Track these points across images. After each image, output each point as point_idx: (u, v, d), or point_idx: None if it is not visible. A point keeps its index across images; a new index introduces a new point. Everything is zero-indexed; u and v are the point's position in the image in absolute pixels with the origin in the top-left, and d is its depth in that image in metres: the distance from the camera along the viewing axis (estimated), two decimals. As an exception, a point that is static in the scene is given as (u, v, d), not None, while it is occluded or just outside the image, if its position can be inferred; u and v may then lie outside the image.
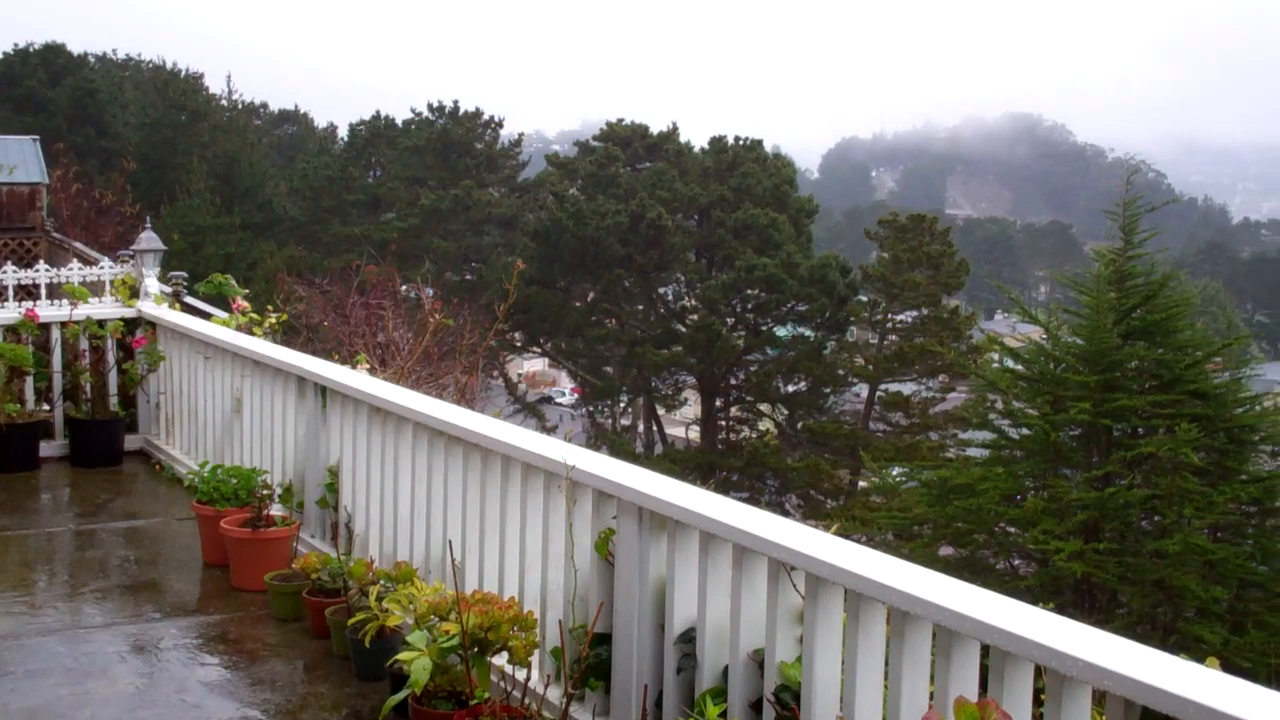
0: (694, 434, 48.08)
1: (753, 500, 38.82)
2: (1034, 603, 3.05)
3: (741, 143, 46.71)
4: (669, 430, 49.66)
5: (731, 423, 45.02)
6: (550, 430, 42.00)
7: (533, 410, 45.95)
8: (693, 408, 48.28)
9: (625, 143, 46.96)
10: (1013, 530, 15.29)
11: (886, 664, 3.28)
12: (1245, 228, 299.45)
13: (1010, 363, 17.43)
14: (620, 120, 48.33)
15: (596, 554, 4.38)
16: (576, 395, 52.98)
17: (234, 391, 7.88)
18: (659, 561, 4.09)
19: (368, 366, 7.99)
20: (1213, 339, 16.89)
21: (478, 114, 53.47)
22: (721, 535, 3.76)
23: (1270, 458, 16.29)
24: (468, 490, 5.19)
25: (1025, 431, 15.95)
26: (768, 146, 48.37)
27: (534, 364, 70.28)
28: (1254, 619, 14.12)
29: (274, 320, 8.99)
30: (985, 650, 3.04)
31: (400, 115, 54.31)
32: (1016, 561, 15.88)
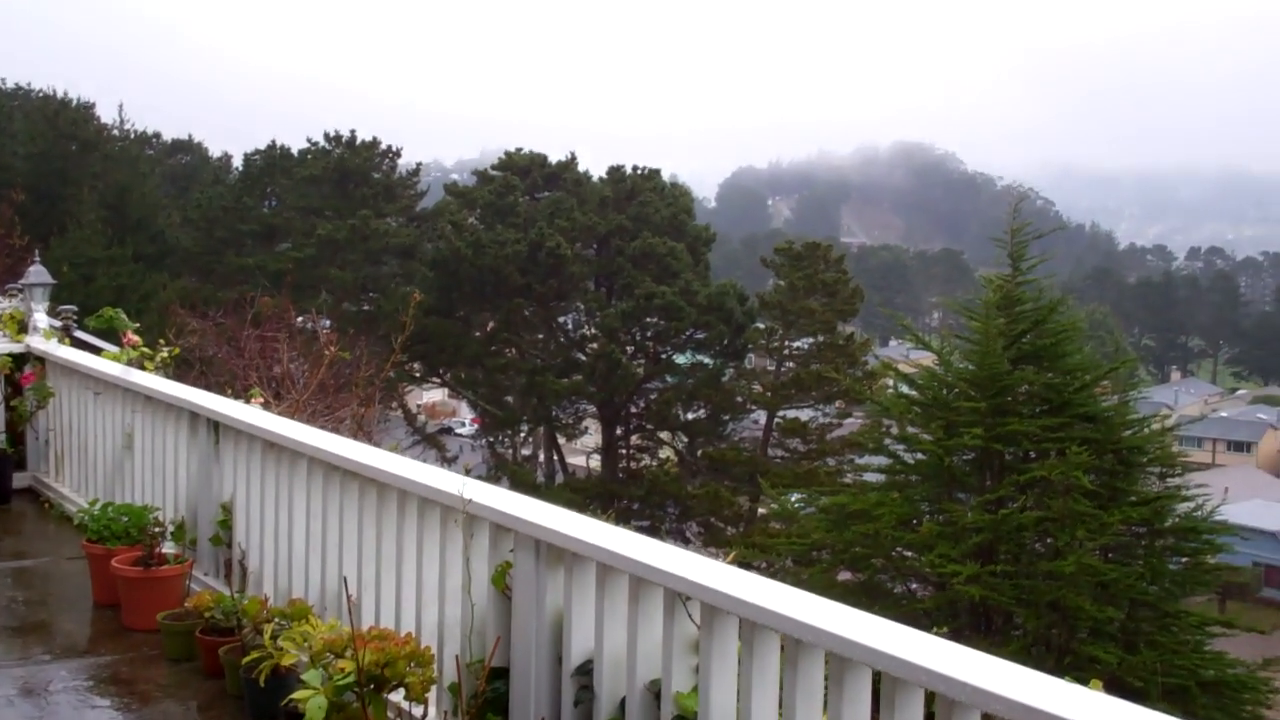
0: (595, 463, 48.05)
1: (653, 528, 38.87)
2: (931, 626, 3.10)
3: (639, 172, 46.93)
4: (570, 459, 49.56)
5: (632, 451, 45.06)
6: (450, 461, 41.73)
7: (432, 441, 45.62)
8: (593, 436, 48.27)
9: (524, 172, 46.92)
10: (910, 554, 15.46)
11: (781, 691, 3.31)
12: (1131, 253, 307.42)
13: (904, 388, 17.64)
14: (519, 150, 48.30)
15: (494, 587, 4.36)
16: (476, 425, 52.70)
17: (125, 427, 7.73)
18: (556, 594, 4.08)
19: (262, 400, 7.87)
20: (1100, 363, 17.23)
21: (375, 143, 53.04)
22: (618, 567, 3.77)
23: (1158, 479, 16.61)
24: (364, 525, 5.14)
25: (920, 456, 16.15)
26: (665, 176, 48.71)
27: (433, 395, 69.82)
28: (1146, 638, 14.42)
29: (166, 355, 8.82)
30: (878, 677, 3.08)
31: (296, 145, 53.65)
32: (914, 585, 16.06)
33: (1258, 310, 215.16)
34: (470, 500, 4.33)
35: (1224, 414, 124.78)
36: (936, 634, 3.10)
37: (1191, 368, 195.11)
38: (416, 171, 56.57)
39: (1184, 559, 15.98)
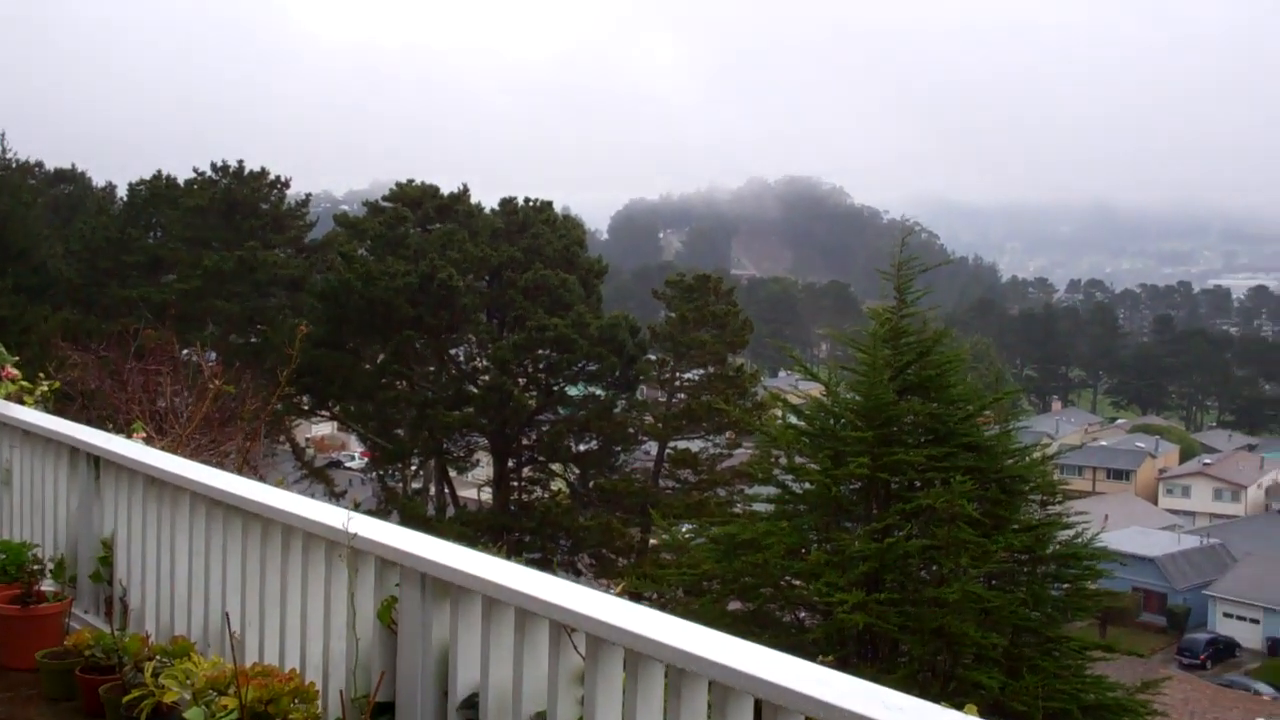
0: (486, 495, 47.78)
1: (545, 561, 38.76)
2: (818, 655, 3.16)
3: (532, 204, 46.96)
4: (461, 492, 49.23)
5: (524, 483, 44.90)
6: (339, 495, 41.18)
7: (321, 475, 45.04)
8: (485, 469, 48.00)
9: (415, 203, 46.66)
10: (798, 583, 15.57)
11: None
12: (1014, 285, 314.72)
13: (793, 419, 17.81)
14: (410, 181, 48.04)
15: (379, 622, 4.34)
16: (366, 459, 52.12)
17: (2, 463, 7.56)
18: (442, 628, 4.09)
19: (144, 435, 7.76)
20: (983, 393, 17.52)
21: (263, 174, 52.43)
22: (504, 600, 3.79)
23: (1040, 507, 16.95)
24: (247, 561, 5.09)
25: (808, 486, 16.29)
26: (557, 208, 48.79)
27: (323, 428, 68.93)
28: (1028, 663, 14.65)
29: (46, 388, 8.65)
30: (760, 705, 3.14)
31: (183, 174, 52.86)
32: (802, 614, 16.17)
33: (1135, 341, 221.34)
34: (355, 534, 4.31)
35: (1104, 443, 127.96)
36: (822, 662, 3.17)
37: (1072, 397, 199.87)
38: (306, 202, 56.04)
39: (1065, 585, 16.28)
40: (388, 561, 4.29)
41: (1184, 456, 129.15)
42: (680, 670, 3.21)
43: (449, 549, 4.11)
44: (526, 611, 3.73)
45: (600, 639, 3.45)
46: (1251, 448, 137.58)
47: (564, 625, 3.61)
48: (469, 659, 4.00)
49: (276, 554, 4.89)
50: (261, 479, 6.30)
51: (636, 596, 27.79)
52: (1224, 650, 68.62)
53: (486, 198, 48.97)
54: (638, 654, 3.34)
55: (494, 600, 3.86)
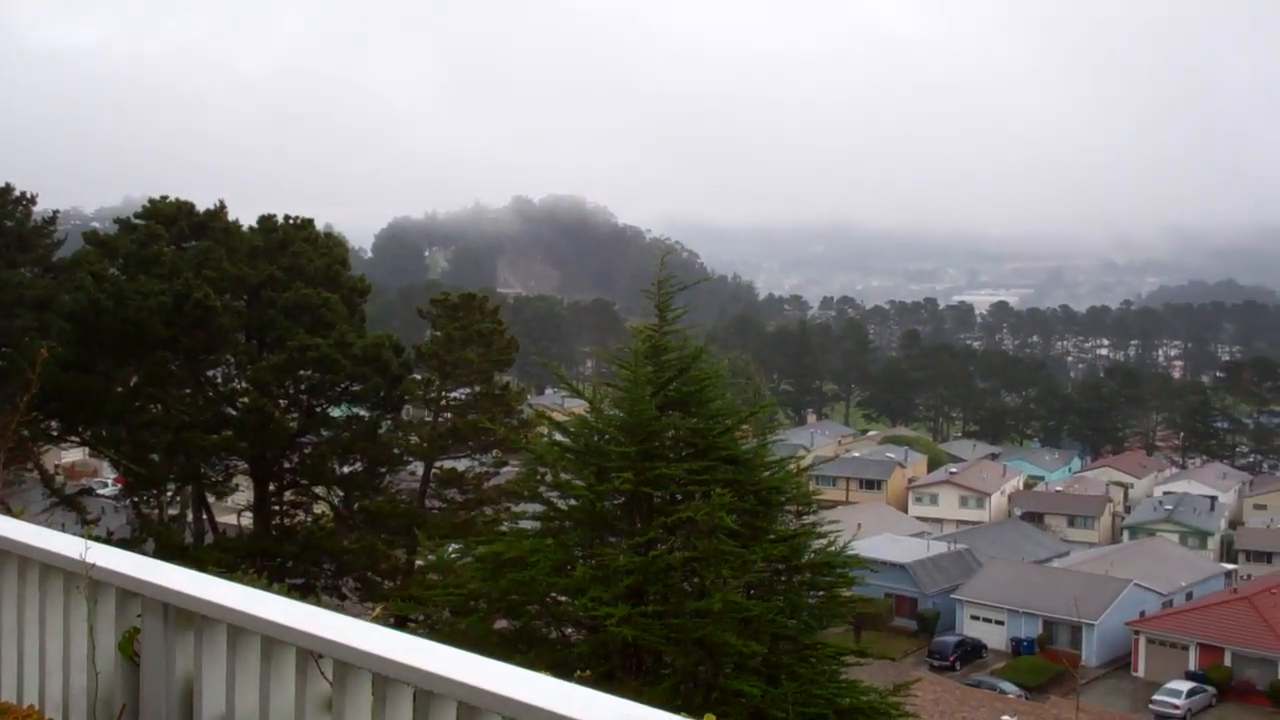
0: (247, 521, 46.42)
1: (309, 586, 37.88)
2: (583, 669, 3.19)
3: (292, 222, 45.85)
4: (220, 518, 47.67)
5: (286, 507, 43.78)
6: (91, 524, 39.34)
7: (72, 504, 42.96)
8: (245, 493, 46.63)
9: (170, 220, 44.96)
10: (564, 599, 15.66)
11: None
12: (770, 303, 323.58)
13: (558, 436, 17.93)
14: (164, 197, 46.29)
15: (121, 654, 4.20)
16: (120, 485, 50.06)
17: None
18: (187, 658, 3.97)
19: None
20: (741, 408, 17.98)
21: (8, 190, 49.91)
22: (249, 628, 3.72)
23: (796, 517, 17.48)
24: (-20, 595, 4.84)
25: (573, 502, 16.42)
26: (319, 225, 47.79)
27: (73, 454, 65.91)
28: (787, 670, 15.07)
29: None
30: None
31: (-83, 191, 49.86)
32: (569, 630, 16.26)
33: (885, 355, 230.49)
34: (93, 564, 4.16)
35: (856, 454, 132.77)
36: (579, 678, 3.21)
37: (826, 410, 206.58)
38: (53, 220, 53.61)
39: (821, 593, 16.81)
40: (129, 592, 4.15)
41: (932, 466, 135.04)
42: (429, 693, 3.21)
43: (192, 577, 4.00)
44: (272, 639, 3.67)
45: (347, 664, 3.42)
46: (994, 456, 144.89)
47: (311, 652, 3.56)
48: (214, 689, 3.90)
49: (12, 586, 4.67)
50: (6, 508, 6.00)
51: (402, 619, 27.46)
52: (971, 651, 71.82)
53: (245, 215, 47.63)
54: (385, 678, 3.32)
55: (239, 629, 3.78)
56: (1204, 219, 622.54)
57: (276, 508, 42.86)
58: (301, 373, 41.03)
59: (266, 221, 45.59)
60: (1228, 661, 66.56)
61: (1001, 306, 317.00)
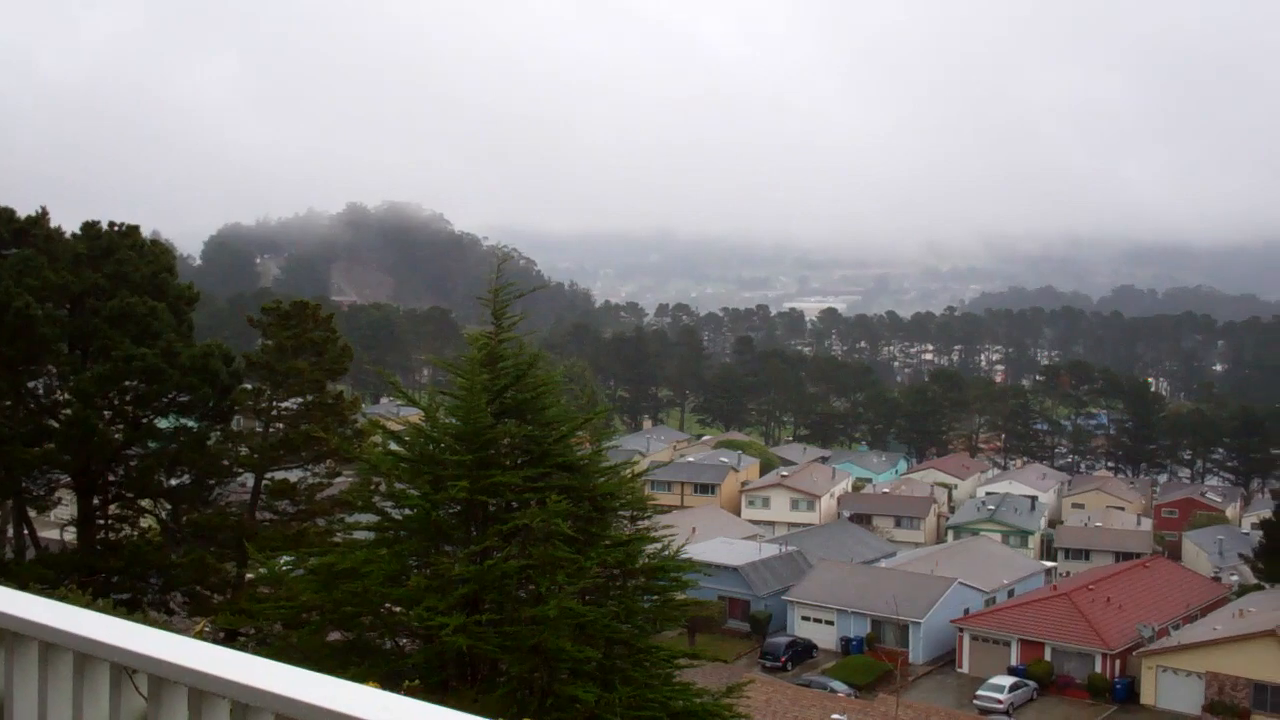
0: (70, 535, 44.97)
1: (135, 601, 36.85)
2: (415, 679, 3.25)
3: (117, 229, 44.55)
4: (42, 533, 46.15)
5: (111, 521, 42.51)
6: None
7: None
8: (68, 507, 45.17)
9: (-16, 226, 43.41)
10: (398, 609, 15.60)
11: None
12: (607, 310, 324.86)
13: (393, 445, 17.84)
14: (-22, 203, 44.58)
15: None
16: (-69, 502, 47.97)
17: None
18: None
19: None
20: (576, 414, 18.11)
21: None
22: (61, 644, 3.65)
23: (630, 522, 17.68)
24: None
25: (408, 512, 16.37)
26: (146, 232, 46.52)
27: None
28: (621, 675, 15.24)
29: None
30: None
31: None
32: (404, 640, 16.20)
33: (719, 362, 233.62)
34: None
35: (691, 458, 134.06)
36: (407, 688, 3.28)
37: (662, 416, 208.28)
38: None
39: (655, 596, 17.04)
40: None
41: (764, 469, 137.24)
42: (245, 706, 3.19)
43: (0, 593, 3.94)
44: (85, 655, 3.61)
45: (162, 679, 3.39)
46: (824, 459, 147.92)
47: (125, 667, 3.51)
48: (25, 708, 3.81)
49: None
50: None
51: (233, 633, 26.92)
52: (802, 652, 73.12)
53: (67, 222, 46.08)
54: (201, 692, 3.29)
55: (51, 645, 3.70)
56: (1016, 229, 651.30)
57: (101, 522, 41.57)
58: (127, 383, 39.89)
59: (90, 228, 44.20)
60: (1048, 656, 69.03)
61: (831, 313, 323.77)
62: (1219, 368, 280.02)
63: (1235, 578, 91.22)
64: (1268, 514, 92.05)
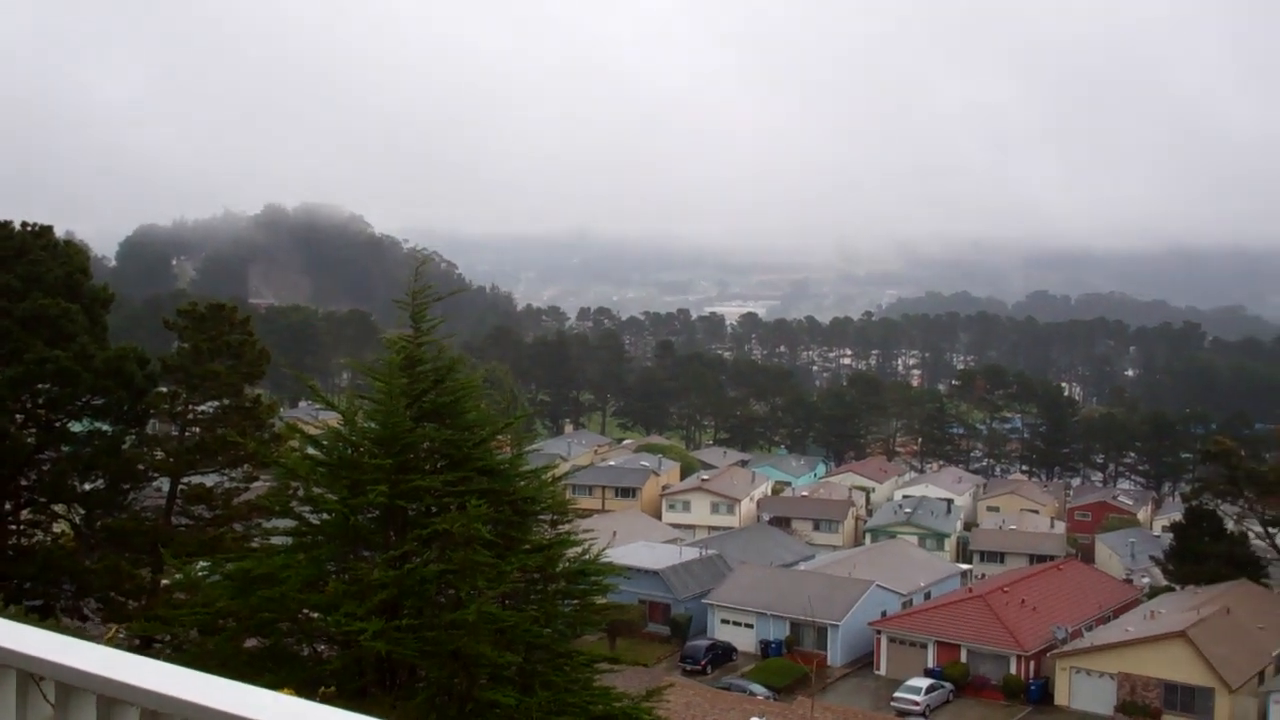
0: (-23, 542, 44.02)
1: (47, 608, 36.22)
2: (330, 686, 3.26)
3: (29, 229, 43.74)
4: (-54, 540, 45.10)
5: (23, 527, 41.74)
6: None
7: None
8: (-25, 513, 44.25)
9: (-113, 226, 42.41)
10: (316, 615, 15.48)
11: None
12: (529, 313, 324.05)
13: (311, 449, 17.69)
14: (-121, 200, 43.66)
15: None
16: None
17: None
18: None
19: None
20: (497, 418, 18.09)
21: None
22: None
23: (551, 526, 17.68)
24: None
25: (326, 516, 16.25)
26: (59, 233, 45.73)
27: None
28: (541, 679, 15.24)
29: None
30: None
31: None
32: (321, 646, 16.07)
33: (640, 365, 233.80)
34: None
35: (612, 462, 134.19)
36: (322, 695, 3.29)
37: (583, 420, 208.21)
38: None
39: (575, 601, 17.07)
40: None
41: (685, 473, 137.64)
42: (155, 714, 3.18)
43: None
44: None
45: (70, 686, 3.36)
46: (744, 463, 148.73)
47: (32, 674, 3.48)
48: None
49: None
50: None
51: (147, 640, 26.54)
52: (722, 655, 73.41)
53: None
54: (110, 699, 3.27)
55: None
56: (921, 231, 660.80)
57: (13, 527, 40.79)
58: (39, 386, 39.22)
59: (2, 228, 43.36)
60: (964, 658, 69.89)
61: (750, 317, 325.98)
62: (1131, 373, 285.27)
63: (1147, 580, 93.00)
64: (1178, 517, 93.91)
